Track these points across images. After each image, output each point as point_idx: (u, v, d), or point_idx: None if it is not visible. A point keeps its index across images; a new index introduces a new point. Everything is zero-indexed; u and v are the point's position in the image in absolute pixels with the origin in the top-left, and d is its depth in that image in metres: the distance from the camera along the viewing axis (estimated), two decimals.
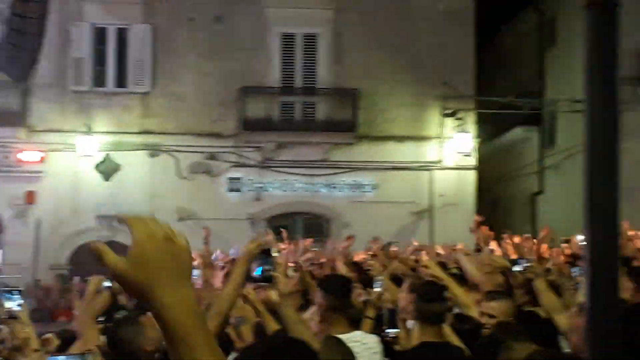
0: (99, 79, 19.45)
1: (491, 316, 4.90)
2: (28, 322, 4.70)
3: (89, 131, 18.80)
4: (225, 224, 17.77)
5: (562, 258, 8.30)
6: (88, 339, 3.32)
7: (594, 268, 1.80)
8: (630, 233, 9.15)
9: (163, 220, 1.31)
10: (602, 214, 1.81)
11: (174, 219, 18.67)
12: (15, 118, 18.60)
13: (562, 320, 4.59)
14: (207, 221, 17.94)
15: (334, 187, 19.66)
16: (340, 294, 4.75)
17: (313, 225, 19.31)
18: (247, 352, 2.18)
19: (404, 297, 5.41)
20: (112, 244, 1.29)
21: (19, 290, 4.83)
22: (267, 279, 4.13)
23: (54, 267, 18.67)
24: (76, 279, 8.69)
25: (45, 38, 15.31)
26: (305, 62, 19.83)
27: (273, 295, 4.07)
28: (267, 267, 4.13)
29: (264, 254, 4.13)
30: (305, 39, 19.83)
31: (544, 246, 9.14)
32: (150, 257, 1.24)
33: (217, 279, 7.12)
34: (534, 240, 9.66)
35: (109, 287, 3.98)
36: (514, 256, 7.79)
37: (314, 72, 19.79)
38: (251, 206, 19.34)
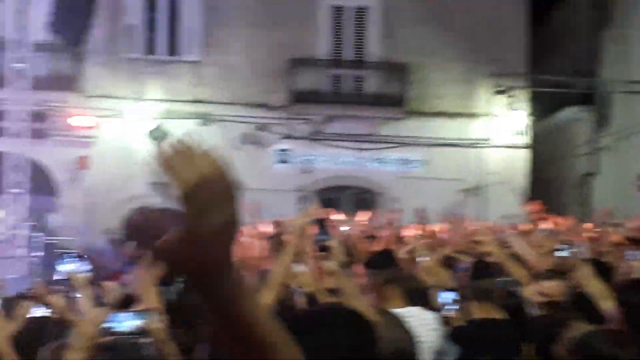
0: (150, 47, 19.59)
1: (545, 295, 4.87)
2: (85, 285, 4.80)
3: (140, 98, 18.98)
4: (272, 195, 17.87)
5: (616, 239, 8.18)
6: (148, 302, 3.36)
7: None
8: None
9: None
10: None
11: None
12: (69, 82, 18.83)
13: (608, 306, 4.43)
14: (255, 192, 18.09)
15: (383, 162, 19.58)
16: (386, 267, 4.72)
17: (361, 199, 19.28)
18: (302, 319, 2.14)
19: (461, 277, 5.40)
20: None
21: (78, 255, 4.92)
22: (323, 249, 4.14)
23: (107, 232, 18.96)
24: (128, 244, 8.84)
25: (98, 4, 15.43)
26: (355, 35, 19.71)
27: (331, 265, 4.06)
28: (322, 237, 4.14)
29: (319, 224, 4.13)
30: (355, 12, 19.69)
31: (589, 227, 9.00)
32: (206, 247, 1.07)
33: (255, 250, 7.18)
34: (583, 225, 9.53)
35: None
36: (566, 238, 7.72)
37: (363, 45, 19.66)
38: (299, 178, 19.37)
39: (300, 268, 4.58)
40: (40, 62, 17.67)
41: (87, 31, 16.62)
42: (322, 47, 19.57)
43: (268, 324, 1.12)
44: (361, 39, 19.69)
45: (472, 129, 19.56)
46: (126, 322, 2.83)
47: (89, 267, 4.90)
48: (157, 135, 19.27)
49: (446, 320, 4.78)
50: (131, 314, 2.89)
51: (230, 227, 1.08)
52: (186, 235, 1.07)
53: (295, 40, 19.34)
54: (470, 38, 19.30)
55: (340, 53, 19.63)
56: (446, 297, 5.01)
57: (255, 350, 1.09)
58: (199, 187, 1.09)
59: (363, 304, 3.97)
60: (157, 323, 2.80)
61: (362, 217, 10.04)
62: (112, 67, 19.31)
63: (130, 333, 2.85)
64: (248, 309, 1.09)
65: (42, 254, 13.49)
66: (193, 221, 1.07)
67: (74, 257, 4.91)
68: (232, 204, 1.09)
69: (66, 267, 4.77)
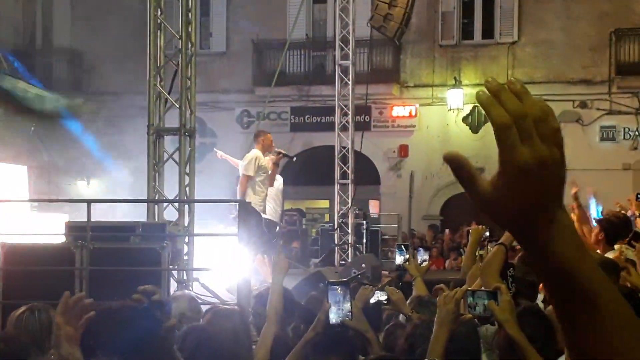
0: (466, 32, 19.60)
1: None
2: (416, 272, 4.93)
3: (457, 84, 19.10)
4: (597, 174, 16.97)
5: None
6: (489, 283, 3.40)
7: None
8: None
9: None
10: None
11: None
12: (389, 75, 19.53)
13: None
14: (578, 172, 17.30)
15: None
16: None
17: None
18: None
19: None
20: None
21: (406, 245, 5.09)
22: None
23: (427, 218, 19.43)
24: (446, 231, 8.96)
25: None
26: None
27: None
28: None
29: None
30: None
31: None
32: (521, 185, 0.96)
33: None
34: None
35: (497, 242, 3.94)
36: None
37: None
38: (627, 156, 18.20)
39: None
40: (362, 58, 18.52)
41: (406, 23, 17.04)
42: None
43: (592, 274, 1.00)
44: None
45: None
46: (478, 302, 2.95)
47: (426, 256, 5.08)
48: (474, 120, 19.27)
49: None
50: (483, 293, 2.99)
51: (554, 164, 0.97)
52: (502, 172, 0.97)
53: (618, 9, 18.16)
54: None
55: None
56: None
57: (575, 299, 1.00)
58: (522, 120, 0.96)
59: None
60: (504, 304, 2.86)
61: None
62: (429, 56, 19.68)
63: (479, 313, 2.97)
64: (571, 254, 0.99)
65: (366, 241, 14.16)
66: (508, 155, 0.96)
67: (411, 248, 5.11)
68: (558, 147, 0.98)
69: (400, 258, 4.97)
